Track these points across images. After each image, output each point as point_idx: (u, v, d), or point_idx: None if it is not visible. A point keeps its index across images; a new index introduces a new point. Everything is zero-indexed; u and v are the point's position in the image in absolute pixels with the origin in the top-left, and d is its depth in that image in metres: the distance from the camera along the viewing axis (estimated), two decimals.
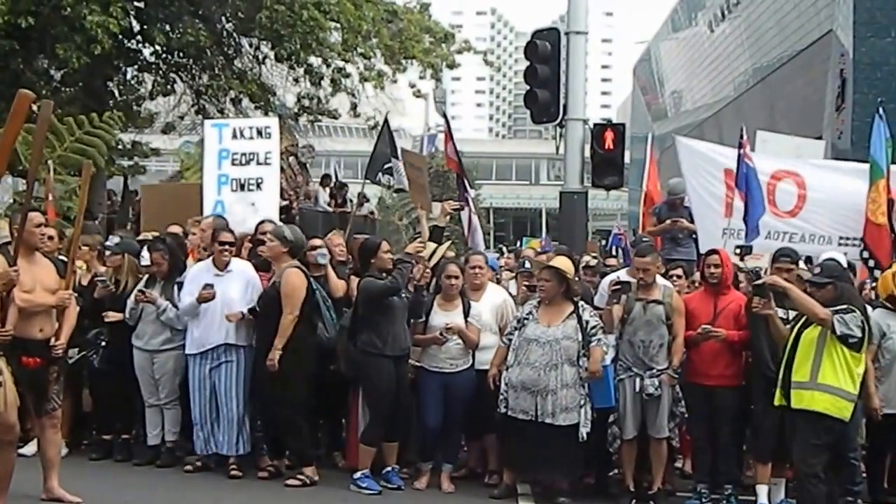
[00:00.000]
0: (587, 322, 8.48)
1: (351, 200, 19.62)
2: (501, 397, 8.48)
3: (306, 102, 21.55)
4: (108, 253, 9.86)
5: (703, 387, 8.65)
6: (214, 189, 11.22)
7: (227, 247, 9.20)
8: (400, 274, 8.65)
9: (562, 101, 14.28)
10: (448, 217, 10.23)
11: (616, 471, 9.19)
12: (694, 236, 11.84)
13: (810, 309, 7.30)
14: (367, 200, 21.15)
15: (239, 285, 9.08)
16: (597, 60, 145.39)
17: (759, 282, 7.93)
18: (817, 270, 7.79)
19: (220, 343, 8.99)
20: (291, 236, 9.01)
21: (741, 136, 10.57)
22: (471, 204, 11.60)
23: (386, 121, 14.41)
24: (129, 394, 9.48)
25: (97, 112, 15.97)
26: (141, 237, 11.16)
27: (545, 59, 14.27)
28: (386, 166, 13.48)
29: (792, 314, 7.84)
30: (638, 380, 8.57)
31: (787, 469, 8.55)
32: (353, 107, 21.80)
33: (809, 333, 7.38)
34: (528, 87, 14.59)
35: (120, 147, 20.65)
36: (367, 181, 14.11)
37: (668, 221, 12.47)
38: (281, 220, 11.02)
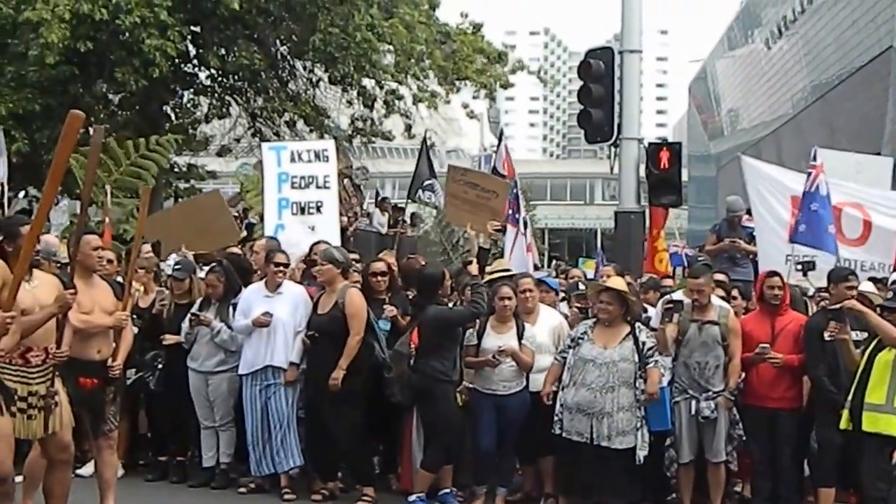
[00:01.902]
0: (644, 343, 8.33)
1: (405, 221, 19.64)
2: (556, 418, 8.36)
3: (360, 124, 21.67)
4: (165, 274, 9.93)
5: (763, 409, 8.51)
6: (275, 212, 11.30)
7: (280, 268, 9.23)
8: (481, 299, 8.70)
9: (616, 121, 14.20)
10: (490, 238, 10.21)
11: (673, 495, 9.02)
12: (752, 257, 11.65)
13: (887, 332, 7.18)
14: (422, 222, 21.17)
15: (288, 307, 9.10)
16: (652, 79, 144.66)
17: (837, 306, 7.79)
18: (890, 295, 7.66)
19: (269, 364, 9.01)
20: (341, 257, 9.04)
21: (813, 159, 10.24)
22: (520, 224, 11.52)
23: (424, 140, 14.45)
24: (184, 415, 9.52)
25: (154, 135, 16.17)
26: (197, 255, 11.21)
27: (599, 79, 14.20)
28: (426, 184, 13.49)
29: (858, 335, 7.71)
30: (694, 402, 8.46)
31: (851, 494, 8.36)
32: (408, 128, 21.87)
33: (884, 356, 7.25)
34: (581, 107, 14.50)
35: (176, 170, 20.90)
36: (409, 200, 14.16)
37: (726, 241, 12.30)
38: None
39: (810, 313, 9.08)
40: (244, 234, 14.77)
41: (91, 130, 6.91)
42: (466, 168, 14.75)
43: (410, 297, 9.56)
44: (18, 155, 16.02)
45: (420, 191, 13.59)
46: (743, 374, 8.63)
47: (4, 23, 16.04)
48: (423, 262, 11.23)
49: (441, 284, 9.00)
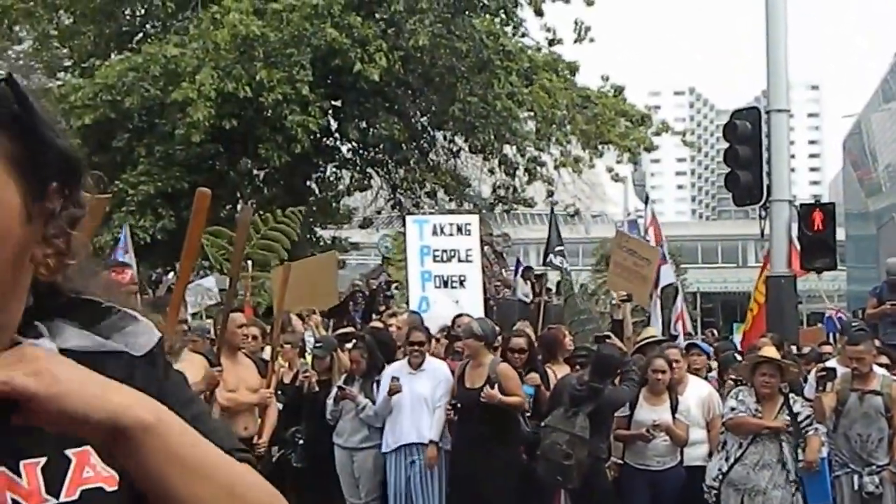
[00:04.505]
0: (799, 413, 7.92)
1: (549, 289, 19.39)
2: (712, 491, 8.00)
3: (502, 192, 21.61)
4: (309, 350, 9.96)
5: None
6: (419, 285, 11.34)
7: (416, 347, 9.16)
8: (635, 375, 8.61)
9: (765, 182, 13.74)
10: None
11: None
12: None
13: None
14: (571, 290, 20.89)
15: (430, 383, 9.03)
16: (804, 136, 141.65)
17: None
18: None
19: (412, 441, 8.92)
20: (481, 330, 8.89)
21: None
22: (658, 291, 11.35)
23: (552, 208, 14.41)
24: (330, 493, 9.41)
25: (297, 209, 16.46)
26: (340, 332, 11.24)
27: (745, 140, 13.82)
28: (557, 249, 13.43)
29: None
30: (856, 477, 8.12)
31: None
32: (550, 194, 21.69)
33: None
34: (729, 169, 14.12)
35: (321, 243, 21.21)
36: (547, 267, 14.18)
37: (887, 304, 11.67)
38: None
39: None
40: (384, 307, 14.83)
41: (239, 208, 6.99)
42: (629, 235, 14.56)
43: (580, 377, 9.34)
44: (164, 232, 16.47)
45: (552, 255, 13.58)
46: None
47: (152, 104, 16.62)
48: (567, 332, 11.04)
49: (619, 365, 8.77)
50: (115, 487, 1.22)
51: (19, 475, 1.16)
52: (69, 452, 1.20)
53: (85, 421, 1.06)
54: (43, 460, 1.18)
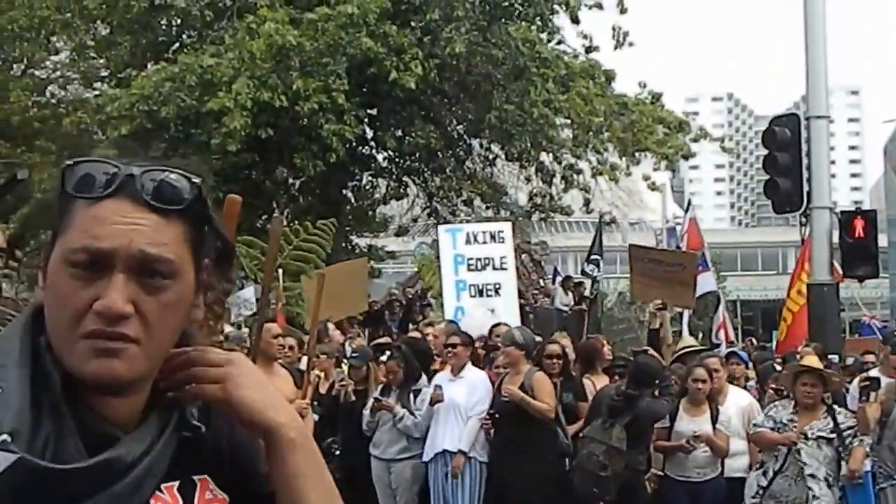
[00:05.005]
0: (842, 424, 7.76)
1: (587, 298, 19.27)
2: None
3: (538, 200, 21.49)
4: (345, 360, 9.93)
5: None
6: (453, 295, 11.28)
7: (450, 349, 9.15)
8: (673, 389, 8.62)
9: (805, 189, 13.57)
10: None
11: None
12: None
13: None
14: (605, 298, 20.84)
15: (466, 390, 8.96)
16: (844, 142, 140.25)
17: None
18: None
19: (448, 449, 8.85)
20: (522, 339, 8.85)
21: None
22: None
23: (601, 219, 14.32)
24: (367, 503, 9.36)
25: (333, 218, 16.44)
26: (376, 342, 11.20)
27: (784, 147, 13.68)
28: (592, 257, 13.37)
29: None
30: None
31: None
32: (586, 202, 21.55)
33: None
34: (768, 176, 13.96)
35: (357, 251, 21.19)
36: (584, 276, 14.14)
37: None
38: None
39: None
40: (420, 316, 14.79)
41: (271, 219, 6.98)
42: (647, 247, 14.44)
43: (618, 387, 9.23)
44: None
45: (586, 263, 13.57)
46: None
47: (188, 113, 16.66)
48: (606, 342, 10.97)
49: (658, 375, 8.69)
50: None
51: (162, 492, 1.44)
52: (195, 478, 1.49)
53: (249, 426, 1.44)
54: (177, 483, 1.46)
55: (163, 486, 1.43)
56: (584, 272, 14.86)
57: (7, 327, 1.45)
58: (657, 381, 8.65)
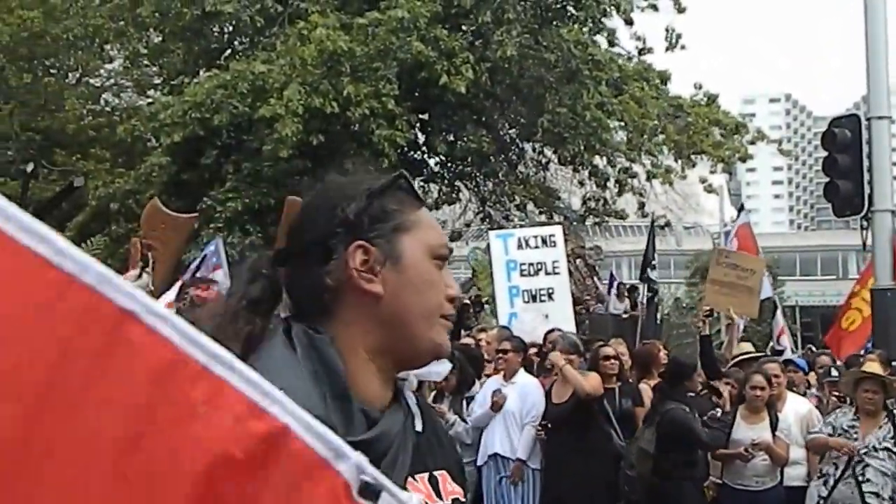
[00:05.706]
0: None
1: (642, 304, 19.03)
2: None
3: (592, 204, 21.27)
4: None
5: None
6: (506, 301, 11.25)
7: (500, 354, 9.16)
8: (723, 428, 8.36)
9: (866, 192, 13.25)
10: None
11: None
12: None
13: None
14: (661, 303, 20.61)
15: (516, 397, 8.94)
16: None
17: None
18: None
19: (500, 453, 8.85)
20: (579, 345, 8.82)
21: None
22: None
23: (653, 222, 14.21)
24: None
25: None
26: None
27: (845, 149, 13.37)
28: (653, 263, 13.24)
29: None
30: None
31: None
32: (641, 206, 21.29)
33: None
34: (828, 178, 13.67)
35: None
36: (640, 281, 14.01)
37: None
38: None
39: None
40: (475, 322, 14.69)
41: None
42: (730, 249, 14.24)
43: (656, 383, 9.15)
44: (252, 249, 16.50)
45: (649, 269, 13.40)
46: None
47: (240, 120, 16.67)
48: (662, 347, 10.83)
49: (690, 377, 8.54)
50: (464, 500, 1.77)
51: (416, 481, 1.65)
52: (437, 473, 1.72)
53: None
54: (426, 475, 1.69)
55: (416, 475, 1.65)
56: (647, 278, 14.60)
57: (271, 354, 1.62)
58: (687, 379, 8.53)
